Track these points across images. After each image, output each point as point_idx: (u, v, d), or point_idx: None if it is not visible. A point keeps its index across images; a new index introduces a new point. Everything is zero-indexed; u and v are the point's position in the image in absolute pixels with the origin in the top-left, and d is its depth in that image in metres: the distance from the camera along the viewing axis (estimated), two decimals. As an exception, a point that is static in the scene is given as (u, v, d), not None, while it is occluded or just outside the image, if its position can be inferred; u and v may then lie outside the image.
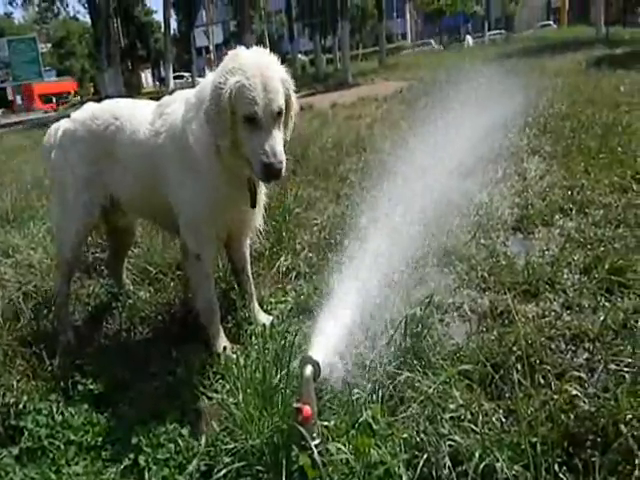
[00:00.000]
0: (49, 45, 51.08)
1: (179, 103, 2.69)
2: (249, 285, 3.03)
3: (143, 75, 44.91)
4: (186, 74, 41.01)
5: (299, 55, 28.38)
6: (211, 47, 28.82)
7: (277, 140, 2.32)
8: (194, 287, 2.81)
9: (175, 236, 3.05)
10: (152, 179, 2.76)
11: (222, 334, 2.76)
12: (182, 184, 2.63)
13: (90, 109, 3.05)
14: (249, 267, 3.04)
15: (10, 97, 42.10)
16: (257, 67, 2.33)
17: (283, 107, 2.38)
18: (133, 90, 33.52)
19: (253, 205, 2.64)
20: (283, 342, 2.32)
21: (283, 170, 2.31)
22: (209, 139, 2.45)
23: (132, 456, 2.11)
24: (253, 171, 2.37)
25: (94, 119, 2.96)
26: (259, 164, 2.29)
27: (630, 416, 1.77)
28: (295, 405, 1.83)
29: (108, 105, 3.04)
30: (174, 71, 35.07)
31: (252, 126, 2.32)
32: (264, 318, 2.94)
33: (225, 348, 2.68)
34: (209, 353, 2.66)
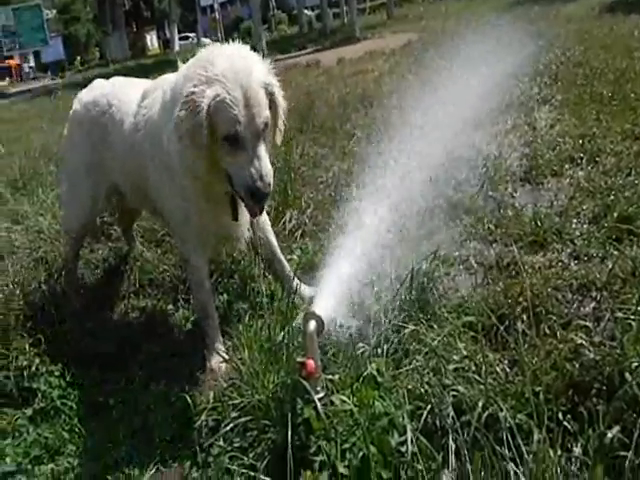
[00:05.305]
0: (54, 11, 50.39)
1: (158, 93, 2.41)
2: (284, 271, 2.76)
3: (148, 37, 44.23)
4: (191, 34, 40.34)
5: (305, 11, 27.67)
6: (216, 6, 28.16)
7: (263, 159, 2.07)
8: (192, 290, 2.61)
9: None
10: (140, 175, 2.56)
11: (220, 345, 2.45)
12: (163, 189, 2.43)
13: (93, 91, 2.95)
14: (278, 250, 2.78)
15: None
16: (236, 76, 2.05)
17: (269, 118, 2.14)
18: (139, 53, 33.08)
19: (235, 218, 2.39)
20: (288, 299, 2.32)
21: (270, 194, 2.11)
22: (184, 153, 2.16)
23: (142, 414, 2.16)
24: (235, 192, 2.17)
25: (95, 104, 2.85)
26: (244, 188, 2.07)
27: (636, 364, 1.74)
28: (298, 360, 1.84)
29: (108, 88, 2.90)
30: (179, 32, 34.57)
31: (234, 146, 2.07)
32: (307, 292, 2.67)
33: (220, 367, 2.32)
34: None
